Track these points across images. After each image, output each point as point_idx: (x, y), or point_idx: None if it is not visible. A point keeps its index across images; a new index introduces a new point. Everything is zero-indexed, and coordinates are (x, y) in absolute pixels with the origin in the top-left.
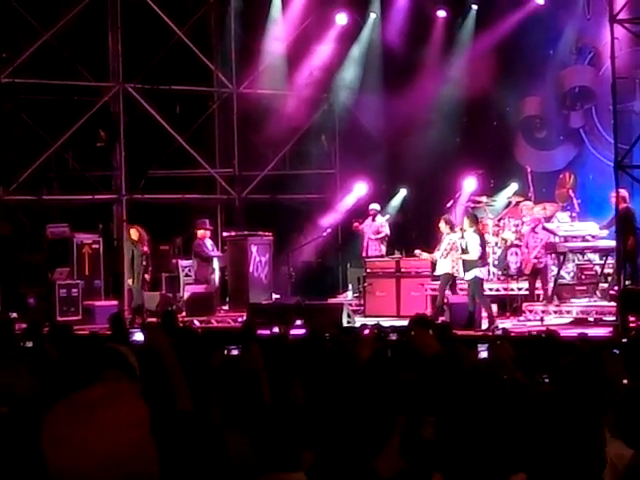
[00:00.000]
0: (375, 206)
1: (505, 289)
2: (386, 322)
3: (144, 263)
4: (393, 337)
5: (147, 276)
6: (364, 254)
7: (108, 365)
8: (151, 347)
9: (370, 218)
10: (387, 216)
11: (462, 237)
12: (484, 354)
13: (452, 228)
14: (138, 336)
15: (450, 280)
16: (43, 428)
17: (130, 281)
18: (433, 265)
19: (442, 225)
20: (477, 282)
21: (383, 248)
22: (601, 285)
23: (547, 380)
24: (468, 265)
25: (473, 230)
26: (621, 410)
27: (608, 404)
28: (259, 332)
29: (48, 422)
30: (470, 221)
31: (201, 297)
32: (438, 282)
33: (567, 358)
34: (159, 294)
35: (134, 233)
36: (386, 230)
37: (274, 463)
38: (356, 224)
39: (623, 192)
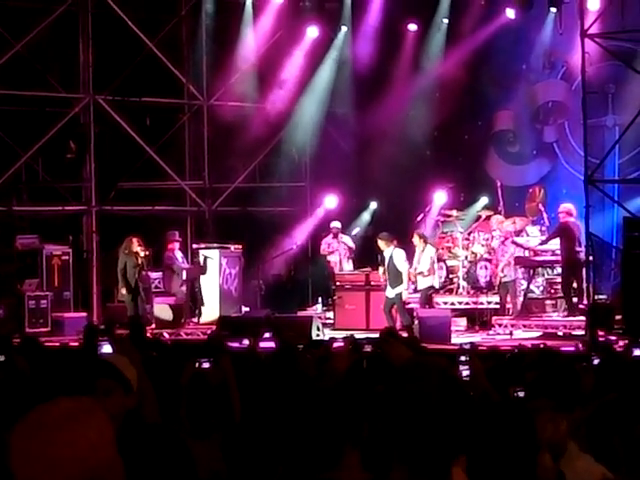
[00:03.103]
0: (336, 224)
1: (474, 303)
2: (356, 335)
3: (136, 275)
4: (368, 349)
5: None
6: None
7: (100, 375)
8: None
9: (331, 236)
10: (357, 229)
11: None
12: (466, 372)
13: (426, 242)
14: (106, 348)
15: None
16: (11, 444)
17: (124, 290)
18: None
19: (416, 240)
20: (400, 297)
21: (349, 262)
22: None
23: (521, 394)
24: (397, 280)
25: (393, 247)
26: (592, 424)
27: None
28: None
29: (16, 438)
30: (385, 241)
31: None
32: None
33: (532, 374)
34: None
35: (136, 243)
36: (350, 243)
37: (248, 476)
38: (323, 253)
39: (569, 207)
